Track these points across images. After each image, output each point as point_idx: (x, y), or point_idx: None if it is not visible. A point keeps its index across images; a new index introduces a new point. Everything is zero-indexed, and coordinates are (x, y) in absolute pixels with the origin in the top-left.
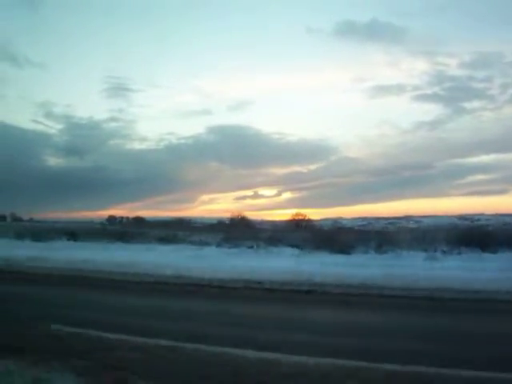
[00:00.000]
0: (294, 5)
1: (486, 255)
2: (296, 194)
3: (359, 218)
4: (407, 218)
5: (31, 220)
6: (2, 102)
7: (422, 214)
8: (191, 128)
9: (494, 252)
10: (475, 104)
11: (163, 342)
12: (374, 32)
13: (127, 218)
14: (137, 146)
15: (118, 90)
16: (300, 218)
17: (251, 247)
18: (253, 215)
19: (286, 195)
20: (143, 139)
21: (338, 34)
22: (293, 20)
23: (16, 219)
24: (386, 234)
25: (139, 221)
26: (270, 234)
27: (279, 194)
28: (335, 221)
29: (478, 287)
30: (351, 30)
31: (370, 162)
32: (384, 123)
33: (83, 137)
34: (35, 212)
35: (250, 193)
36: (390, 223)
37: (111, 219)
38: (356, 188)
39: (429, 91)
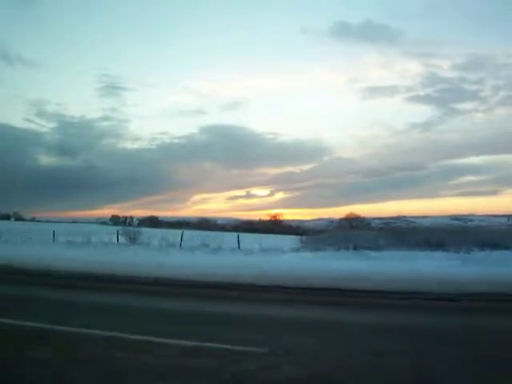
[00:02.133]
0: (288, 5)
1: None
2: (289, 195)
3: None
4: (400, 218)
5: (33, 219)
6: None
7: (415, 215)
8: (184, 128)
9: None
10: (467, 105)
11: None
12: (368, 33)
13: (131, 217)
14: (129, 145)
15: (111, 88)
16: (354, 217)
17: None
18: (247, 215)
19: (279, 195)
20: (136, 139)
21: (332, 35)
22: (287, 20)
23: (18, 219)
24: None
25: (154, 221)
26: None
27: (272, 194)
28: (329, 221)
29: None
30: (346, 31)
31: (362, 163)
32: (377, 124)
33: (75, 136)
34: (24, 211)
35: (242, 193)
36: (384, 223)
37: (115, 219)
38: (349, 188)
39: (421, 93)
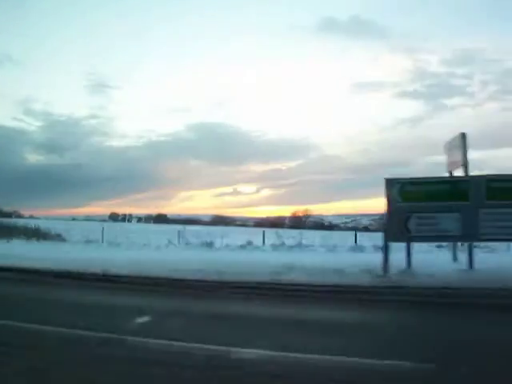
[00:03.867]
0: (275, 2)
1: None
2: (275, 191)
3: (342, 215)
4: None
5: (31, 217)
6: None
7: None
8: (171, 125)
9: None
10: (455, 101)
11: None
12: (355, 29)
13: (130, 215)
14: (116, 143)
15: (98, 86)
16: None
17: None
18: (232, 212)
19: (266, 192)
20: (123, 136)
21: (319, 31)
22: (274, 17)
23: (18, 217)
24: None
25: (162, 218)
26: None
27: (258, 191)
28: (319, 218)
29: None
30: (333, 27)
31: (350, 159)
32: (364, 120)
33: (63, 134)
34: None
35: (229, 190)
36: (374, 220)
37: (114, 216)
38: (336, 185)
39: (409, 88)
